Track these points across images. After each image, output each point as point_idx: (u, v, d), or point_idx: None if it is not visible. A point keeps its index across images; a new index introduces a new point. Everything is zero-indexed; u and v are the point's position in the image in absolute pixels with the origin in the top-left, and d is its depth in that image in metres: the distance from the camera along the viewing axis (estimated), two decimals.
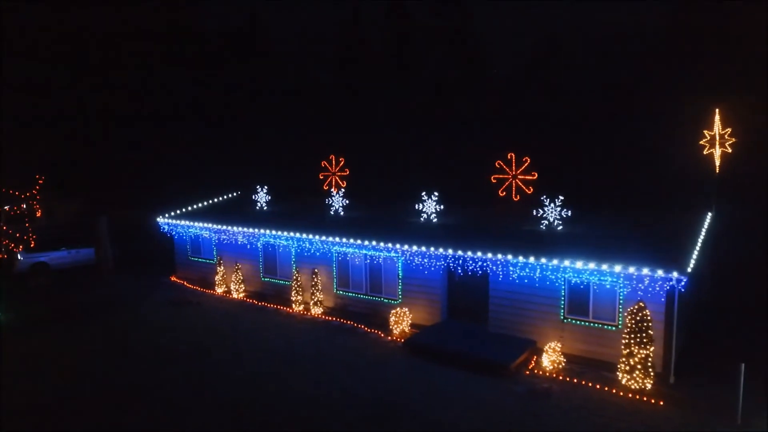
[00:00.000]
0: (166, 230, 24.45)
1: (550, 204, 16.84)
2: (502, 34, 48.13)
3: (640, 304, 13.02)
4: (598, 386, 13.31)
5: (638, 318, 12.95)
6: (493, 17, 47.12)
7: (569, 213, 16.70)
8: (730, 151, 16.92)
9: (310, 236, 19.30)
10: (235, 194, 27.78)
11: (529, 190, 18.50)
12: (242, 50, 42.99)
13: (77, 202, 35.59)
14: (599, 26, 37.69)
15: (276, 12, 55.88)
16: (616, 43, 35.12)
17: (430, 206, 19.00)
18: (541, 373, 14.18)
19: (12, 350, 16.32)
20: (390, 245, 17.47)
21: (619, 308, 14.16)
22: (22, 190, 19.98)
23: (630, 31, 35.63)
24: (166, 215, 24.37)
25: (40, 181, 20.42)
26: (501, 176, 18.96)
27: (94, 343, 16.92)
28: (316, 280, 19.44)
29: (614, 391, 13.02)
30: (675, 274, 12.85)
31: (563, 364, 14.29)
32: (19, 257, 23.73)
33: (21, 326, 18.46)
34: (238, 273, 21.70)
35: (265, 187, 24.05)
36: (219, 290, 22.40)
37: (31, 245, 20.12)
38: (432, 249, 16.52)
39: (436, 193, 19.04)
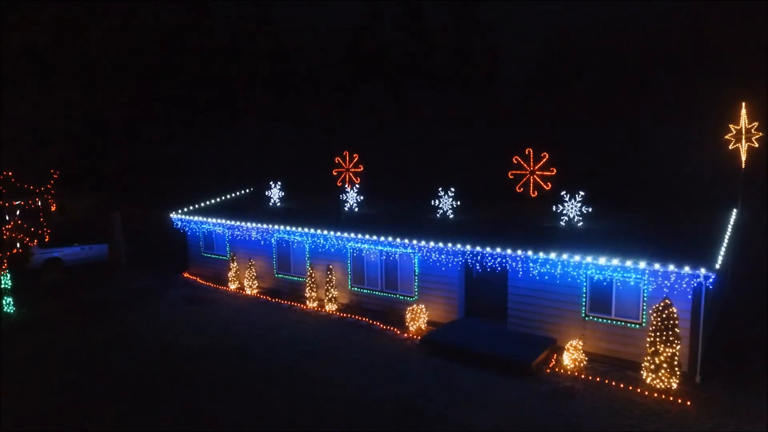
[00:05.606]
0: (179, 226, 24.36)
1: (570, 200, 16.49)
2: (517, 30, 47.68)
3: (666, 301, 12.66)
4: (622, 385, 12.95)
5: (664, 316, 12.59)
6: (509, 13, 46.60)
7: (590, 209, 16.34)
8: (756, 145, 16.47)
9: (325, 232, 19.08)
10: (248, 190, 27.68)
11: (548, 186, 18.14)
12: (254, 47, 42.90)
13: (91, 198, 35.71)
14: (618, 20, 37.21)
15: (288, 9, 55.76)
16: (635, 37, 34.59)
17: (446, 202, 18.73)
18: (562, 371, 13.85)
19: (24, 346, 16.25)
20: (406, 241, 17.19)
21: (644, 306, 13.80)
22: (36, 185, 19.92)
23: (650, 24, 35.14)
24: (179, 211, 24.30)
25: (55, 176, 20.34)
26: (518, 172, 18.61)
27: (106, 340, 16.79)
28: (330, 276, 19.21)
29: (639, 390, 12.67)
30: (703, 271, 12.47)
31: (585, 363, 13.95)
32: (32, 252, 23.73)
33: (33, 322, 18.40)
34: (251, 269, 21.54)
35: (279, 183, 23.92)
36: (232, 287, 22.25)
37: (46, 239, 20.08)
38: (449, 245, 16.22)
39: (452, 189, 18.74)
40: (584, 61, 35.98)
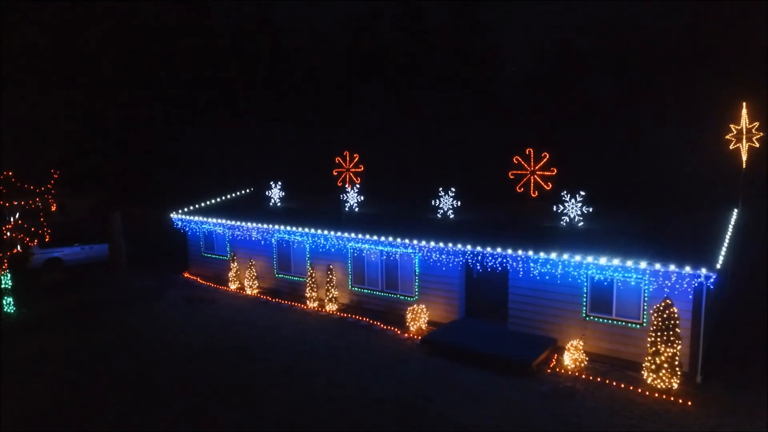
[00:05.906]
0: (179, 226, 24.36)
1: (570, 200, 16.48)
2: (518, 30, 47.70)
3: (667, 301, 12.65)
4: (622, 385, 12.95)
5: (665, 316, 12.58)
6: (509, 13, 46.64)
7: (590, 209, 16.33)
8: (757, 145, 16.46)
9: (325, 232, 19.07)
10: (248, 190, 27.68)
11: (548, 186, 18.11)
12: (254, 47, 42.90)
13: (91, 198, 35.72)
14: (618, 20, 37.26)
15: (288, 9, 55.78)
16: (635, 37, 34.60)
17: (446, 202, 18.72)
18: (563, 371, 13.84)
19: (24, 346, 16.23)
20: (407, 241, 17.18)
21: (644, 306, 13.79)
22: (36, 185, 19.92)
23: (650, 24, 35.15)
24: (179, 211, 24.29)
25: (55, 176, 20.35)
26: (519, 172, 18.58)
27: (107, 340, 16.77)
28: (330, 276, 19.20)
29: (640, 390, 12.66)
30: (704, 271, 12.46)
31: (585, 363, 13.94)
32: (32, 252, 23.72)
33: (33, 322, 18.38)
34: (251, 269, 21.53)
35: (279, 183, 23.92)
36: (232, 287, 22.24)
37: (46, 239, 20.09)
38: (450, 245, 16.21)
39: (452, 189, 18.74)
40: (584, 61, 35.98)
